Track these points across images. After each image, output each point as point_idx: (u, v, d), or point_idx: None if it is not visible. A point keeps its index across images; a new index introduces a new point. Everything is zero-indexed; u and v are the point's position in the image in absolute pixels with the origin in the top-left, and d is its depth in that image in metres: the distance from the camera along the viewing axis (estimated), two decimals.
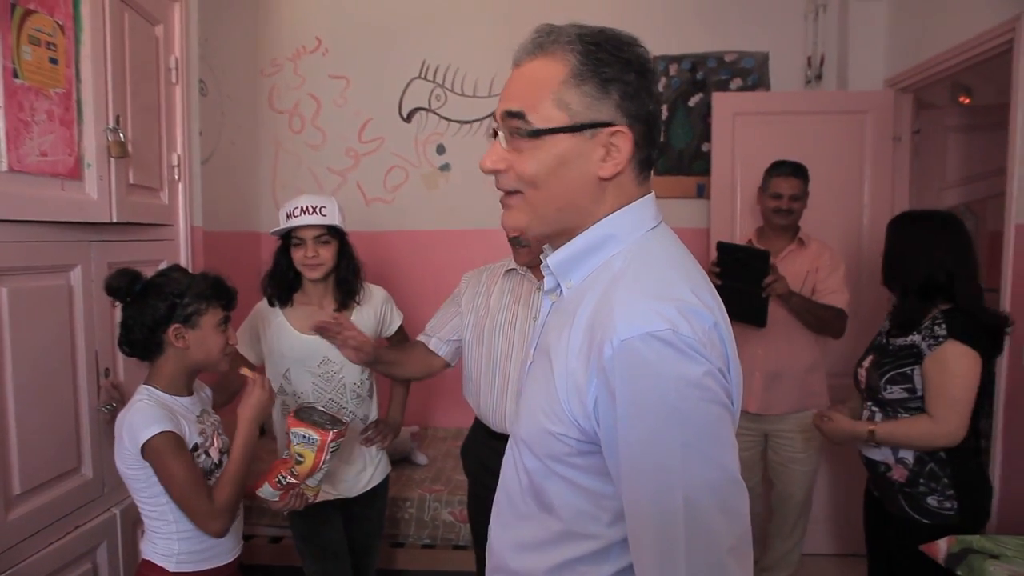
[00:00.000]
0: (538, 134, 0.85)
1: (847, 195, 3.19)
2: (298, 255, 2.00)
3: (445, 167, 3.72)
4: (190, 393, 1.64)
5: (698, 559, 0.74)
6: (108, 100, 1.82)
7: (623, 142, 0.85)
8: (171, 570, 1.55)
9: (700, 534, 0.74)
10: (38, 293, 1.67)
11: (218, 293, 1.62)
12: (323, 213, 1.98)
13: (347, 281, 2.08)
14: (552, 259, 0.92)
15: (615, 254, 0.88)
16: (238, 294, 1.68)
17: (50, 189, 1.67)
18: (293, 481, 1.71)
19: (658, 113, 0.88)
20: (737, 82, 3.56)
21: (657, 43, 3.56)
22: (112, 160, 1.84)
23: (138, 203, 2.00)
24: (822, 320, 2.52)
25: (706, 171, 3.51)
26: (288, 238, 2.03)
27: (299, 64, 3.75)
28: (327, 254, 2.01)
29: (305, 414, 1.74)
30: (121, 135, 1.83)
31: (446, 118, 3.70)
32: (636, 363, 0.75)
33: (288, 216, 1.99)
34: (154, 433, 1.47)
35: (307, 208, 1.98)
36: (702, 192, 3.63)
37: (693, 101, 3.60)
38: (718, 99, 3.36)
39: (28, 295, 1.64)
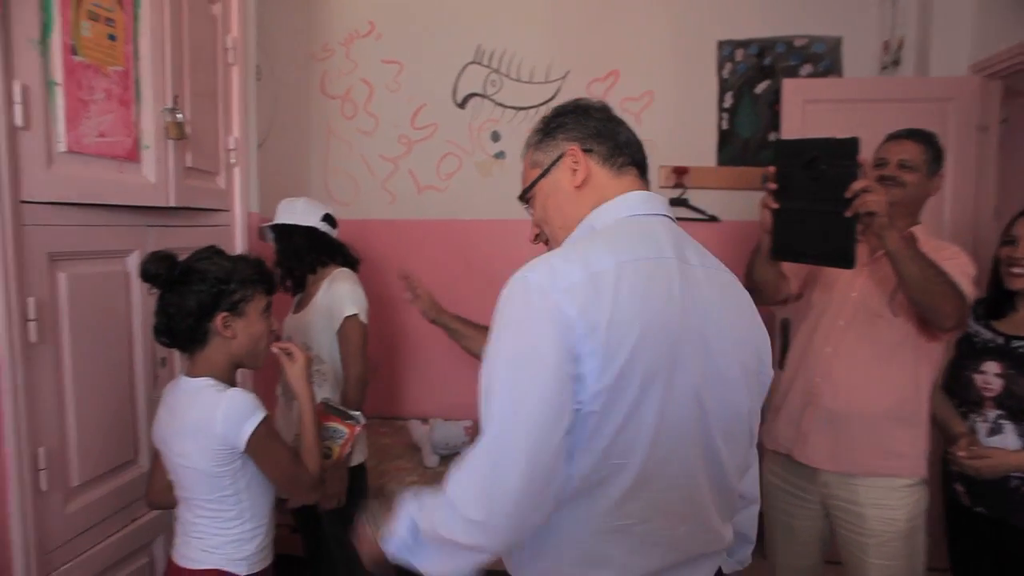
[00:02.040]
0: (528, 190, 1.19)
1: None
2: None
3: (500, 155, 3.61)
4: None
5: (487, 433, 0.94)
6: (166, 80, 1.76)
7: (576, 154, 1.12)
8: (243, 574, 1.47)
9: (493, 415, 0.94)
10: (95, 279, 1.61)
11: (262, 277, 1.54)
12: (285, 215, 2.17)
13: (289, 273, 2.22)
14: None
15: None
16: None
17: (108, 171, 1.61)
18: None
19: (605, 121, 1.16)
20: (807, 68, 3.38)
21: (722, 27, 3.41)
22: (170, 142, 1.78)
23: (195, 187, 1.94)
24: (935, 284, 1.66)
25: (773, 162, 3.34)
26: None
27: (351, 49, 3.68)
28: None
29: (330, 408, 1.74)
30: (179, 116, 1.77)
31: (501, 104, 3.59)
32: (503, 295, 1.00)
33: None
34: (259, 421, 1.40)
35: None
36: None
37: (760, 88, 3.44)
38: (788, 86, 3.20)
39: (86, 281, 1.59)
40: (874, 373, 1.84)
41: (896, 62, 3.23)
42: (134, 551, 1.72)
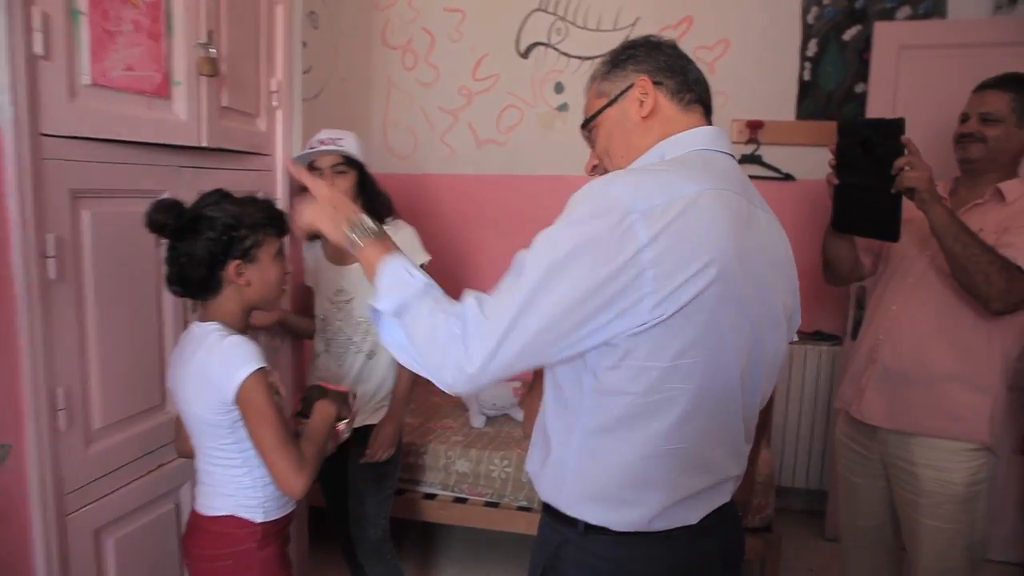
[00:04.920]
0: (593, 118, 1.17)
1: None
2: None
3: (563, 107, 3.45)
4: (246, 334, 1.49)
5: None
6: (200, 14, 1.68)
7: (645, 85, 1.11)
8: (259, 521, 1.43)
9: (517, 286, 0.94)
10: (122, 219, 1.57)
11: (272, 219, 1.46)
12: (339, 144, 2.04)
13: (369, 213, 1.98)
14: None
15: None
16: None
17: (136, 107, 1.55)
18: None
19: (676, 57, 1.14)
20: (905, 11, 3.06)
21: None
22: (203, 80, 1.71)
23: (232, 128, 1.87)
24: (974, 264, 1.62)
25: (859, 115, 3.07)
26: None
27: None
28: (344, 184, 2.05)
29: (306, 402, 1.60)
30: (213, 51, 1.70)
31: (566, 54, 3.43)
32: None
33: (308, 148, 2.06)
34: (253, 370, 1.34)
35: (324, 140, 2.05)
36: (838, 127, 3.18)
37: (849, 34, 3.15)
38: (881, 29, 2.91)
39: (112, 220, 1.54)
40: (940, 333, 1.80)
41: (1013, 1, 2.87)
42: (159, 497, 1.70)
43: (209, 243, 1.37)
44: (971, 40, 2.74)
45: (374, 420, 2.13)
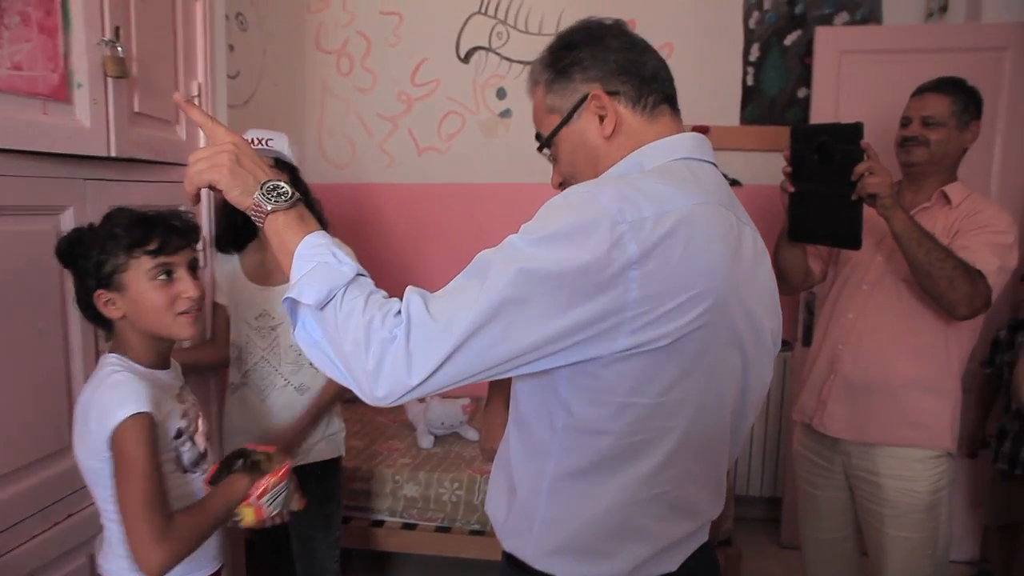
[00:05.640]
0: (549, 140, 1.04)
1: (974, 149, 2.67)
2: None
3: (505, 113, 3.35)
4: (167, 365, 1.33)
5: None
6: (103, 6, 1.51)
7: (601, 99, 0.98)
8: None
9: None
10: (18, 238, 1.38)
11: (132, 234, 1.23)
12: (268, 145, 1.88)
13: None
14: None
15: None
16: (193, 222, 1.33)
17: (28, 112, 1.37)
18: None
19: (627, 50, 0.99)
20: (843, 16, 3.08)
21: None
22: (111, 81, 1.53)
23: (146, 136, 1.70)
24: (939, 270, 1.60)
25: (802, 120, 3.07)
26: None
27: None
28: None
29: (223, 469, 1.37)
30: (120, 50, 1.53)
31: (508, 59, 3.33)
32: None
33: None
34: (129, 414, 1.17)
35: (251, 140, 1.86)
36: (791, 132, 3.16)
37: (790, 39, 3.15)
38: (822, 35, 2.91)
39: (5, 240, 1.36)
40: (899, 340, 1.79)
41: (944, 8, 2.92)
42: (69, 550, 1.50)
43: (81, 271, 1.23)
44: (906, 46, 2.76)
45: (307, 460, 1.93)
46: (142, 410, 1.18)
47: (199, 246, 1.37)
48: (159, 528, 1.16)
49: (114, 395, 1.19)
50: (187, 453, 1.31)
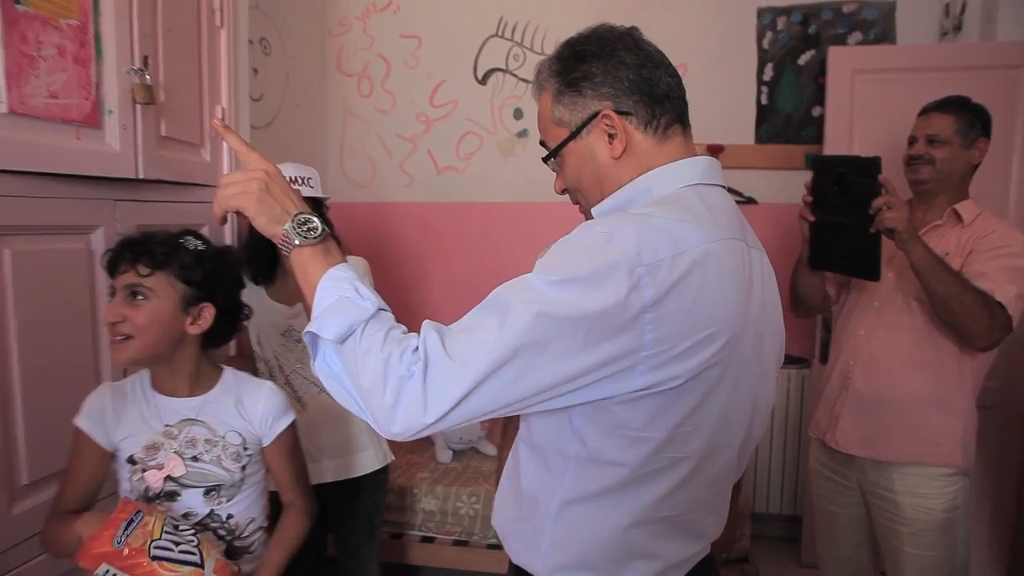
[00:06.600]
0: (555, 153, 1.02)
1: (991, 168, 2.67)
2: None
3: (523, 133, 3.40)
4: (182, 392, 1.33)
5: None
6: (133, 37, 1.59)
7: (611, 119, 0.95)
8: None
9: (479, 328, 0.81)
10: (50, 257, 1.46)
11: (108, 254, 1.26)
12: (310, 185, 1.91)
13: None
14: (597, 209, 1.00)
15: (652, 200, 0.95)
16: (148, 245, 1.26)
17: (63, 137, 1.45)
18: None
19: (640, 67, 0.95)
20: (857, 36, 3.09)
21: None
22: (138, 108, 1.61)
23: (172, 159, 1.77)
24: (958, 303, 1.61)
25: (817, 139, 3.08)
26: None
27: (369, 23, 3.50)
28: None
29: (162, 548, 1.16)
30: (148, 77, 1.60)
31: (525, 80, 3.38)
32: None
33: None
34: (77, 425, 1.29)
35: (291, 179, 1.83)
36: (811, 163, 3.19)
37: (804, 59, 3.16)
38: (835, 54, 2.92)
39: (37, 259, 1.43)
40: (909, 357, 1.79)
41: (958, 27, 2.92)
42: None
43: None
44: (920, 64, 2.76)
45: (356, 472, 1.99)
46: (78, 423, 1.29)
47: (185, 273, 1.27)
48: (49, 518, 1.27)
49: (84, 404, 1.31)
50: (128, 482, 1.29)
